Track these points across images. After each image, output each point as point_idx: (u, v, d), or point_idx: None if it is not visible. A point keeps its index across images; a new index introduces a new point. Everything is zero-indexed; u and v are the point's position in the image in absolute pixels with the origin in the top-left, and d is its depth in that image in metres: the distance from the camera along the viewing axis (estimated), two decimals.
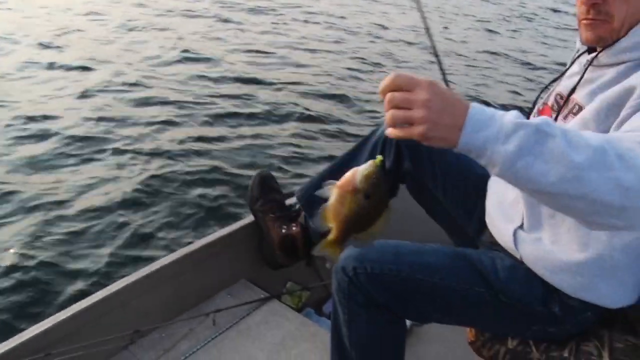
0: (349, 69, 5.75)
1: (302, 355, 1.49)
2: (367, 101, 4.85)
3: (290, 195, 1.81)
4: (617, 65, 1.04)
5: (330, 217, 0.90)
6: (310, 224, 1.63)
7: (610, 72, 1.05)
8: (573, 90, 1.11)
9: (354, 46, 6.82)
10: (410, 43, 7.36)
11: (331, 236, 0.92)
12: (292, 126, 4.06)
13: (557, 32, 10.56)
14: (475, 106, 0.78)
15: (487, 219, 1.29)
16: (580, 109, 1.07)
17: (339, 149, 3.59)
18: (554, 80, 1.24)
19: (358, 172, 0.87)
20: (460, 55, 7.10)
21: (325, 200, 0.91)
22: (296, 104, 4.47)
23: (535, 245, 1.13)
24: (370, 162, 0.87)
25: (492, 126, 0.76)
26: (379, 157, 0.87)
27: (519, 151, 0.75)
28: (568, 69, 1.20)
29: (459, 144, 0.77)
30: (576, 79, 1.12)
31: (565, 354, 1.20)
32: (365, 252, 1.17)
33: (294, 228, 1.66)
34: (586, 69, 1.10)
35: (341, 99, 4.78)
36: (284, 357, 1.48)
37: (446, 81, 2.11)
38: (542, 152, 0.75)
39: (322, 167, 1.70)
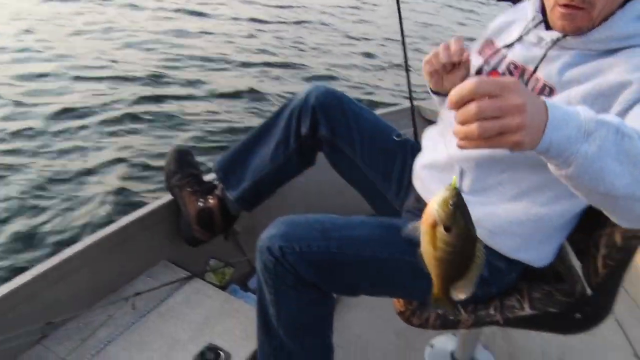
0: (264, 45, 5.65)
1: (227, 331, 1.48)
2: (282, 75, 4.81)
3: (209, 171, 1.77)
4: (583, 49, 1.04)
5: (425, 262, 0.79)
6: (228, 196, 1.60)
7: (574, 54, 1.04)
8: (537, 67, 1.09)
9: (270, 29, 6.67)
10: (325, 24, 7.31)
11: (434, 290, 0.81)
12: (208, 105, 3.96)
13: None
14: (549, 101, 0.71)
15: (417, 183, 1.30)
16: (552, 90, 1.05)
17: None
18: (508, 47, 1.20)
19: (433, 201, 0.73)
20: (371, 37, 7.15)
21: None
22: (209, 83, 4.36)
23: (476, 208, 1.14)
24: (445, 186, 0.73)
25: (571, 123, 0.70)
26: (454, 178, 0.74)
27: (599, 152, 0.70)
28: (522, 37, 1.17)
29: (539, 144, 0.69)
30: (534, 50, 1.12)
31: (492, 311, 1.26)
32: (291, 229, 1.15)
33: (210, 201, 1.63)
34: (549, 48, 1.08)
35: (254, 78, 4.70)
36: (207, 336, 1.46)
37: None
38: (619, 153, 0.71)
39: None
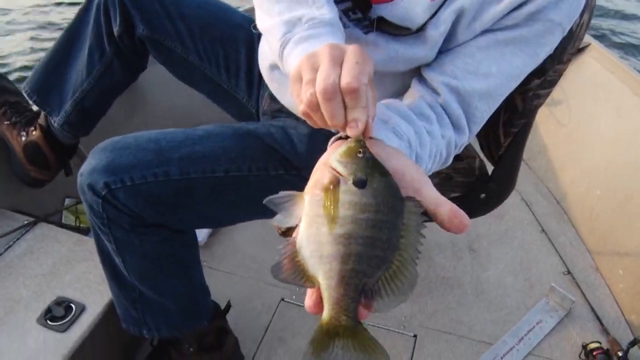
0: None
1: (79, 278, 1.21)
2: None
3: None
4: None
5: (307, 264, 0.45)
6: (52, 122, 1.27)
7: None
8: None
9: None
10: None
11: (325, 314, 0.45)
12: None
13: None
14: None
15: (273, 85, 1.03)
16: None
17: None
18: None
19: (335, 153, 0.49)
20: None
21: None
22: None
23: None
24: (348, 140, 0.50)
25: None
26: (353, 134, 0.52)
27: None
28: None
29: None
30: None
31: None
32: (117, 157, 0.86)
33: (33, 133, 1.29)
34: None
35: None
36: (55, 288, 1.19)
37: None
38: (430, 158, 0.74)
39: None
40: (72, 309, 1.13)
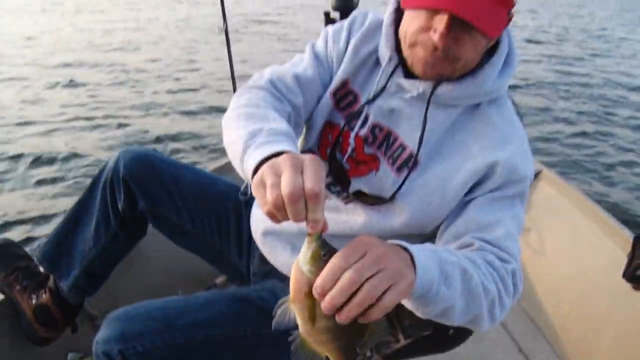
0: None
1: None
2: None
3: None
4: (447, 105, 0.99)
5: (317, 348, 0.67)
6: (60, 286, 1.40)
7: (438, 115, 0.99)
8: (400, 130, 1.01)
9: None
10: None
11: None
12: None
13: None
14: (407, 245, 0.70)
15: (265, 250, 1.20)
16: (416, 163, 0.98)
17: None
18: (368, 103, 1.04)
19: (300, 262, 0.64)
20: None
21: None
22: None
23: None
24: (306, 240, 0.64)
25: (433, 267, 0.70)
26: (315, 234, 0.64)
27: (454, 293, 0.74)
28: (384, 88, 1.02)
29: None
30: (393, 104, 1.02)
31: (368, 354, 1.18)
32: (129, 326, 1.00)
33: (43, 295, 1.42)
34: (412, 103, 1.00)
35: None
36: None
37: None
38: (464, 291, 0.76)
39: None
40: None
